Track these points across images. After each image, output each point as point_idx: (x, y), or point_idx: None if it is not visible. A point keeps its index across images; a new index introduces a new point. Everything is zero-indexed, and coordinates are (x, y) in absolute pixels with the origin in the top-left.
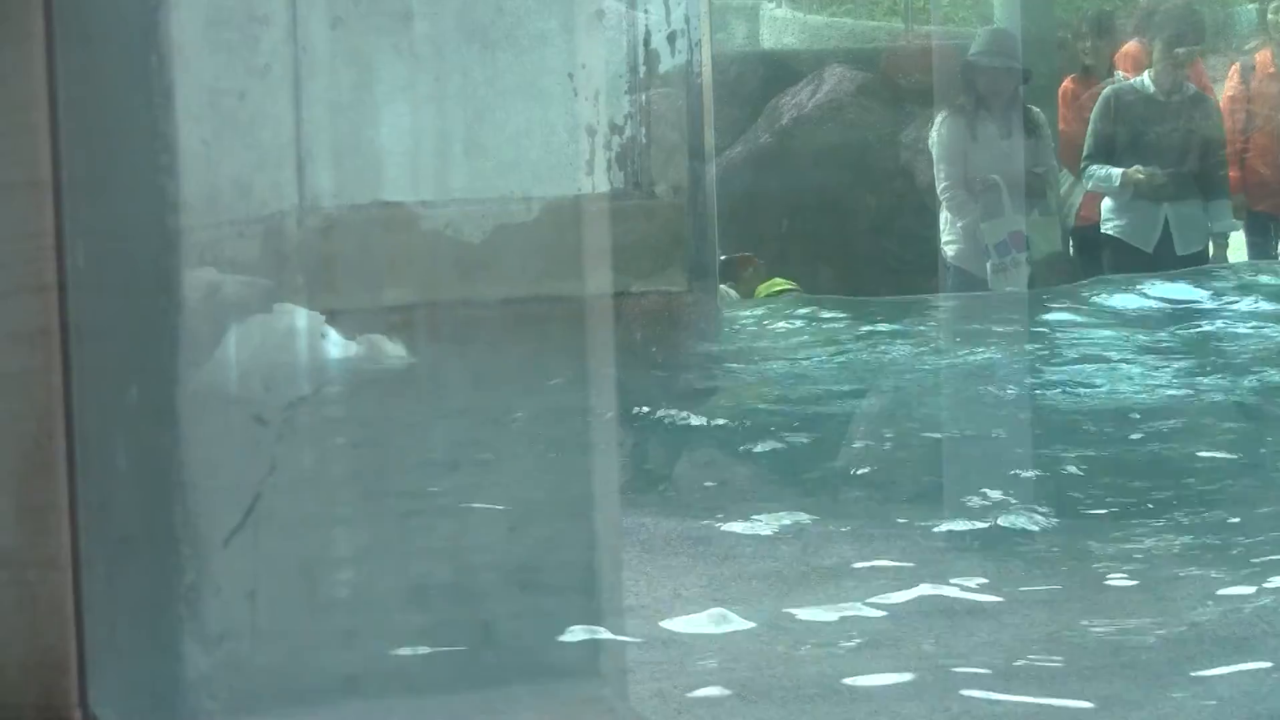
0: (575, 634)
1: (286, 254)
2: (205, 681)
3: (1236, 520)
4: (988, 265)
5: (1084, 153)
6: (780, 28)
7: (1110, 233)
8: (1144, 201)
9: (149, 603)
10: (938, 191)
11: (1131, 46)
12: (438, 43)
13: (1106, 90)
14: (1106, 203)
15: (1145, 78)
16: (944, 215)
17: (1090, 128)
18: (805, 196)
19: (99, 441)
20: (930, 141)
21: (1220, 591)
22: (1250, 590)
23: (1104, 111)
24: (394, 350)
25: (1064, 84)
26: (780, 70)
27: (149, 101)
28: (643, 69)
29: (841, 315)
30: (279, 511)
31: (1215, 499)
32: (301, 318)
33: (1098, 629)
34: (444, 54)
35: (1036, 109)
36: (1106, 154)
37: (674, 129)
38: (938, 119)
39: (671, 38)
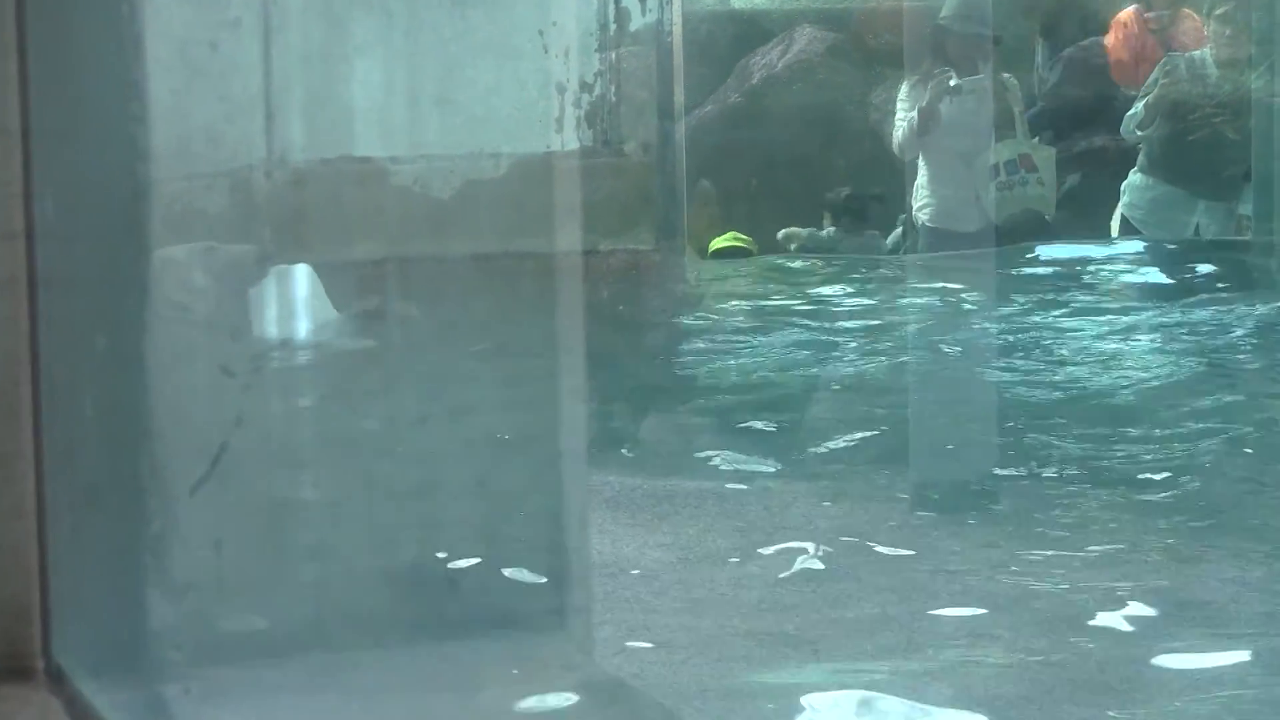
0: (541, 588)
1: (255, 207)
2: (170, 632)
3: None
4: (993, 185)
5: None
6: None
7: (1134, 223)
8: (1175, 194)
9: (114, 552)
10: (900, 142)
11: (1125, 14)
12: None
13: (1165, 59)
14: (1134, 181)
15: (1206, 53)
16: (919, 178)
17: (1142, 90)
18: (774, 156)
19: (65, 390)
20: (899, 98)
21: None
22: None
23: (1159, 78)
24: (374, 300)
25: (1122, 14)
26: (751, 30)
27: (119, 50)
28: (613, 27)
29: (808, 273)
30: (245, 462)
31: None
32: (274, 271)
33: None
34: (415, 8)
35: (1008, 75)
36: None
37: (644, 87)
38: (906, 83)
39: None
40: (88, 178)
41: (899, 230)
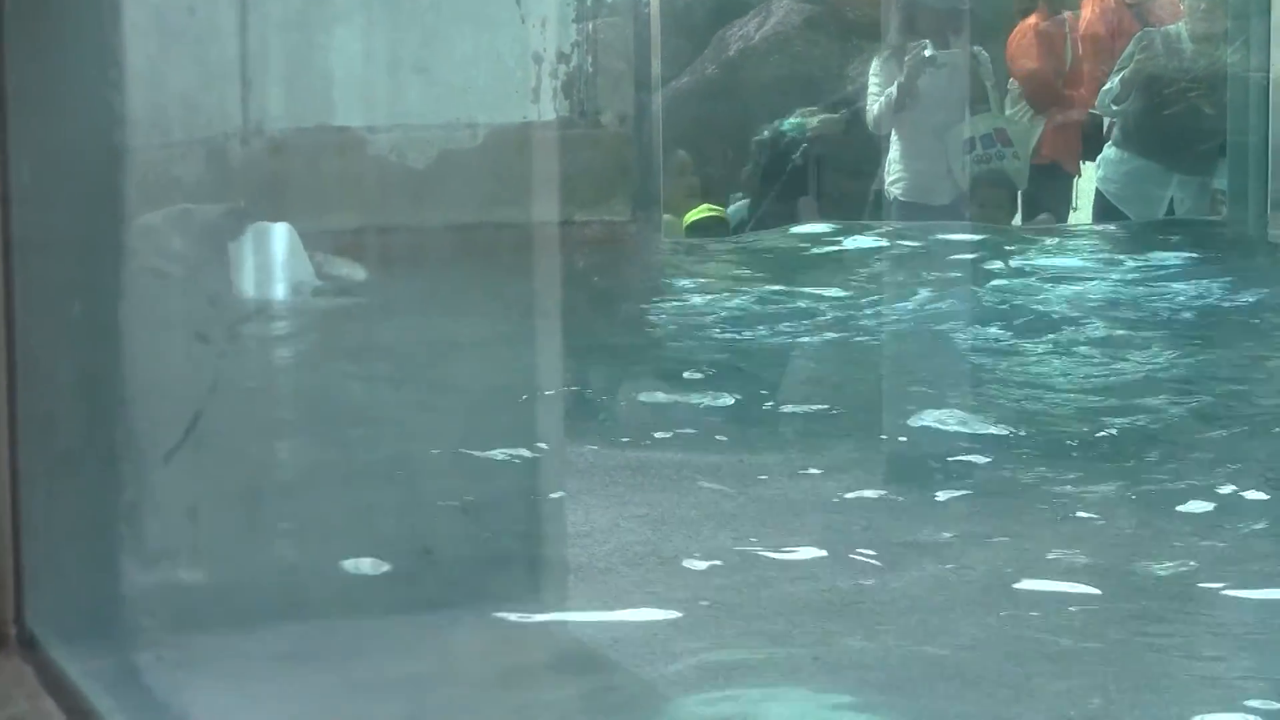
0: (517, 560)
1: (232, 174)
2: (143, 599)
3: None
4: (969, 159)
5: (1104, 85)
6: None
7: (1108, 198)
8: (1150, 169)
9: (88, 520)
10: (877, 116)
11: None
12: None
13: (1140, 33)
14: (1109, 156)
15: (1181, 26)
16: (892, 152)
17: (1118, 65)
18: (751, 128)
19: (41, 356)
20: (871, 73)
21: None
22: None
23: (1135, 53)
24: (347, 270)
25: (1029, 20)
26: (728, 1)
27: (96, 15)
28: None
29: (783, 244)
30: (221, 429)
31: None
32: (254, 237)
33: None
34: None
35: (979, 48)
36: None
37: (621, 58)
38: (877, 59)
39: None
40: (64, 144)
41: (739, 204)
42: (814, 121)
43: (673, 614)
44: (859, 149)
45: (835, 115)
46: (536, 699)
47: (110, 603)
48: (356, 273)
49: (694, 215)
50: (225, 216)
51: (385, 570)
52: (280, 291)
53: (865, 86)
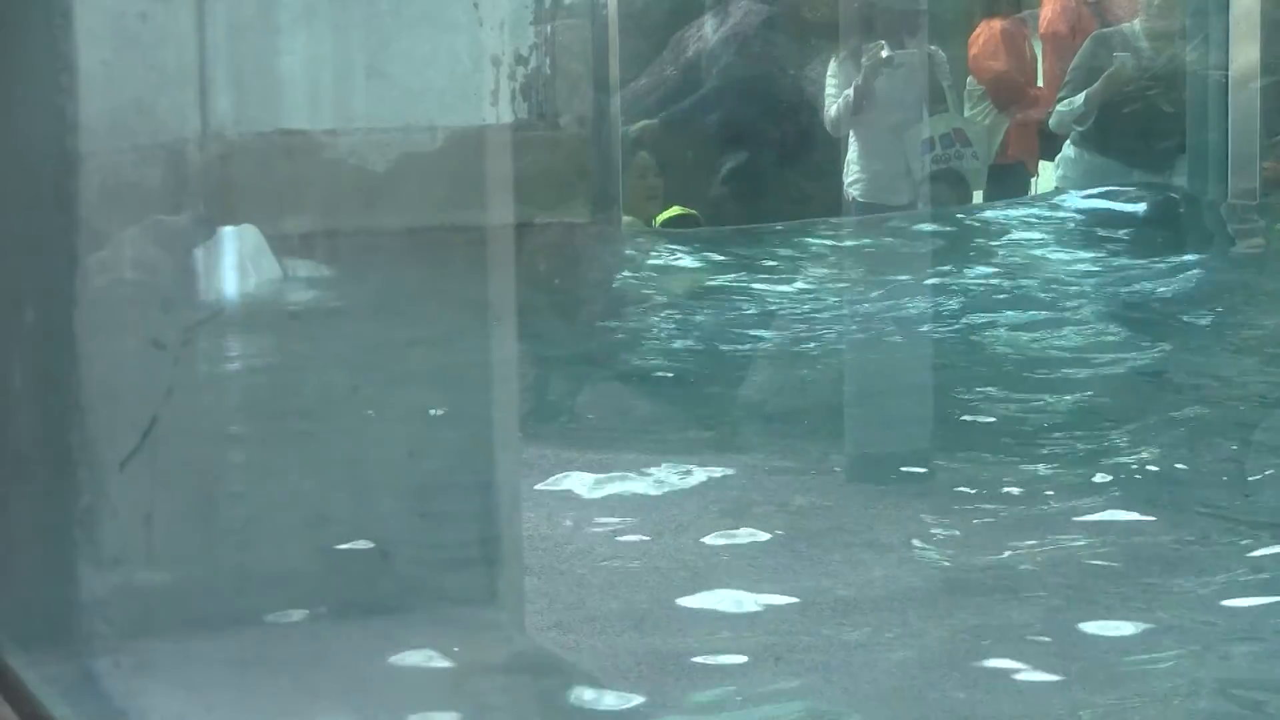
0: (473, 562)
1: (189, 178)
2: (100, 605)
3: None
4: (928, 159)
5: (1058, 94)
6: None
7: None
8: (1109, 167)
9: (44, 525)
10: (834, 118)
11: None
12: None
13: (1094, 35)
14: (1068, 154)
15: (1136, 24)
16: (850, 153)
17: (1071, 72)
18: (709, 129)
19: None
20: (829, 75)
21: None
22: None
23: (1089, 55)
24: (308, 272)
25: (992, 22)
26: (685, 2)
27: (48, 20)
28: None
29: (743, 246)
30: (176, 434)
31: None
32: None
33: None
34: None
35: (935, 47)
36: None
37: (579, 60)
38: (834, 60)
39: None
40: (16, 150)
41: None
42: (634, 128)
43: (633, 615)
44: (691, 153)
45: (653, 121)
46: (493, 702)
47: (67, 609)
48: (321, 272)
49: (667, 214)
50: (193, 225)
51: (341, 573)
52: (249, 293)
53: (823, 87)
